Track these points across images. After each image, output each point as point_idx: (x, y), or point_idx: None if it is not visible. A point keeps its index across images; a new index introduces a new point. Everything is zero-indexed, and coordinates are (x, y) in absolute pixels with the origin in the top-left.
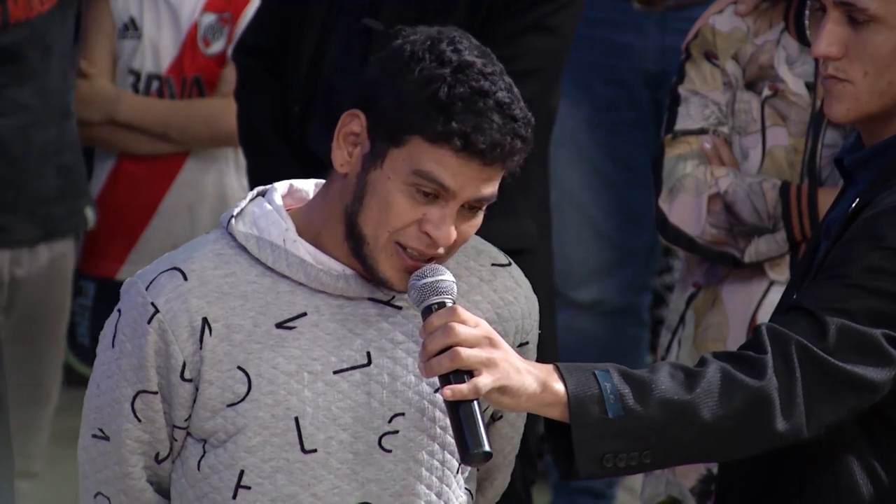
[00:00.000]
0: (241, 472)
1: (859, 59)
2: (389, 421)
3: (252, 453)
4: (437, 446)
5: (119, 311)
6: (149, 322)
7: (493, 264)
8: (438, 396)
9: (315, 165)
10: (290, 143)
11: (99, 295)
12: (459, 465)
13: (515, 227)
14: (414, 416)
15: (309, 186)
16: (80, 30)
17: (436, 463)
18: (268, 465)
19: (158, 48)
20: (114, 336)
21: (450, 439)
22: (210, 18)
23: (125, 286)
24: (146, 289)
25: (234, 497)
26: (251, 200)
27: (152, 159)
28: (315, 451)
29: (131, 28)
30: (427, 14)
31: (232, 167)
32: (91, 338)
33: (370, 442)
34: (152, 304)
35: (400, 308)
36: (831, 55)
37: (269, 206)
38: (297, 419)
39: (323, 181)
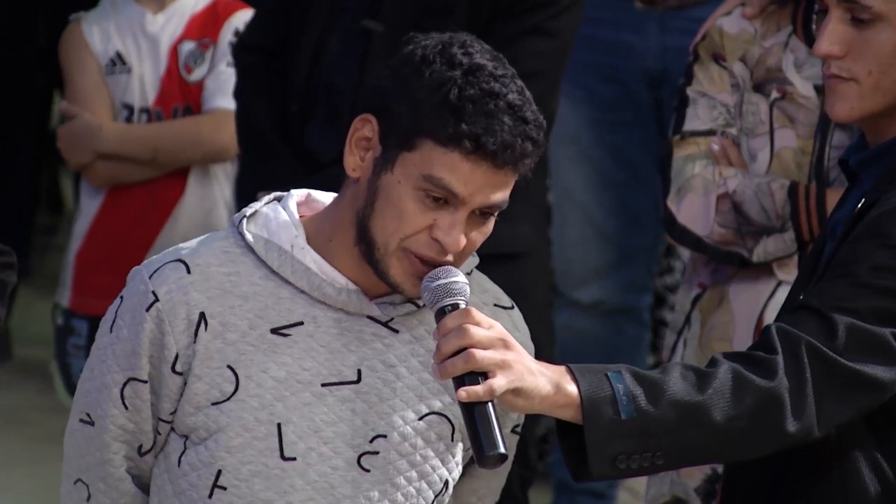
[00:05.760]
0: (219, 472)
1: (864, 57)
2: (371, 441)
3: (231, 454)
4: (415, 473)
5: (121, 297)
6: (147, 310)
7: (495, 304)
8: (423, 424)
9: (312, 164)
10: (289, 141)
11: (92, 334)
12: (435, 497)
13: (512, 231)
14: (395, 439)
15: (326, 198)
16: (62, 72)
17: (412, 490)
18: (246, 468)
19: (144, 81)
20: (112, 322)
21: (429, 469)
22: (189, 46)
23: (131, 273)
24: (149, 277)
25: (210, 496)
26: (266, 203)
27: (147, 192)
28: (294, 459)
29: (119, 63)
30: (426, 16)
31: (225, 197)
32: None
33: (349, 459)
34: (153, 292)
35: (397, 332)
36: (833, 54)
37: (282, 212)
38: (279, 425)
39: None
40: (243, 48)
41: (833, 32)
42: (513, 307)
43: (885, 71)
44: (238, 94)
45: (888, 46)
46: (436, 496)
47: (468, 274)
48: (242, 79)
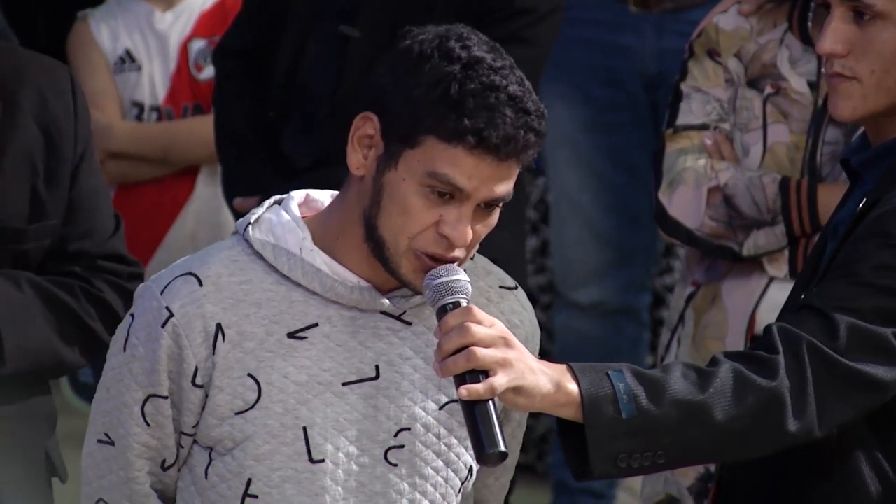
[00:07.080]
0: (249, 481)
1: (866, 56)
2: (395, 435)
3: (260, 461)
4: (441, 463)
5: (132, 315)
6: (163, 326)
7: (500, 286)
8: (444, 414)
9: (288, 170)
10: (266, 147)
11: None
12: (461, 483)
13: (492, 237)
14: (419, 431)
15: (325, 197)
16: (70, 69)
17: (440, 479)
18: (276, 475)
19: (154, 79)
20: (126, 340)
21: (454, 457)
22: (200, 44)
23: (139, 290)
24: (161, 293)
25: None
26: (268, 208)
27: (156, 190)
28: (322, 461)
29: (128, 61)
30: (403, 24)
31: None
32: (95, 375)
33: (376, 455)
34: (167, 308)
35: (410, 324)
36: (836, 52)
37: (285, 215)
38: (305, 429)
39: (337, 192)
40: (224, 53)
41: (836, 31)
42: (517, 287)
43: (888, 70)
44: (217, 99)
45: (891, 46)
46: (462, 482)
47: (471, 258)
48: (221, 84)
